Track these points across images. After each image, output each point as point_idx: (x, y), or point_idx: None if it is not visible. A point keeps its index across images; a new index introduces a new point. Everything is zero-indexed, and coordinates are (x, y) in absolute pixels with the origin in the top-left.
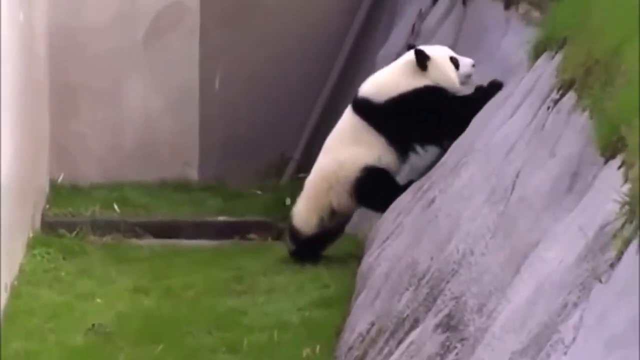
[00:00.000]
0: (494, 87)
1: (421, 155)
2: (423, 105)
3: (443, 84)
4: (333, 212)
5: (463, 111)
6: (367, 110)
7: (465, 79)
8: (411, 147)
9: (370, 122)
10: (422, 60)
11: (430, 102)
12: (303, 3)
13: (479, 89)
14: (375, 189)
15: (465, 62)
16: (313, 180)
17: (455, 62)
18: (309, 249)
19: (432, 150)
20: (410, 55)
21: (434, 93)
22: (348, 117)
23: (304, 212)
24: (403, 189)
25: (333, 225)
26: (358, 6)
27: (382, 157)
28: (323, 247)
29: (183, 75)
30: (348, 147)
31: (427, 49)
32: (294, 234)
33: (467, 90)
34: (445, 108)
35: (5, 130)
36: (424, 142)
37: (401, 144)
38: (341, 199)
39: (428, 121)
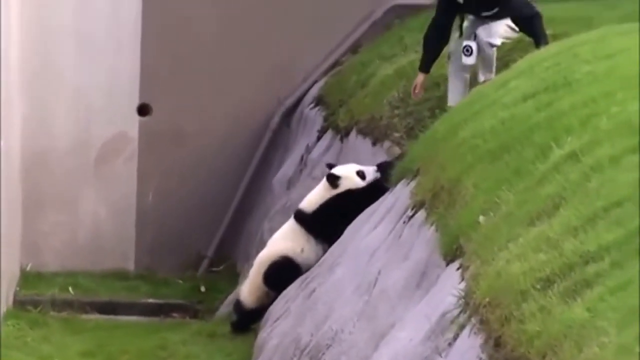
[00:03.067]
0: (387, 166)
1: None
2: (337, 207)
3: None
4: (267, 292)
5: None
6: (302, 218)
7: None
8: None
9: (303, 227)
10: (334, 182)
11: (342, 203)
12: (217, 139)
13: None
14: (280, 274)
15: (369, 170)
16: (253, 265)
17: (361, 175)
18: (249, 321)
19: None
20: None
21: (344, 196)
22: (289, 223)
23: (247, 291)
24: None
25: (269, 302)
26: (259, 142)
27: (305, 250)
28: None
29: (124, 190)
30: (280, 242)
31: (337, 169)
32: (239, 307)
33: None
34: (355, 203)
35: None
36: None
37: (326, 239)
38: None
39: (342, 217)
